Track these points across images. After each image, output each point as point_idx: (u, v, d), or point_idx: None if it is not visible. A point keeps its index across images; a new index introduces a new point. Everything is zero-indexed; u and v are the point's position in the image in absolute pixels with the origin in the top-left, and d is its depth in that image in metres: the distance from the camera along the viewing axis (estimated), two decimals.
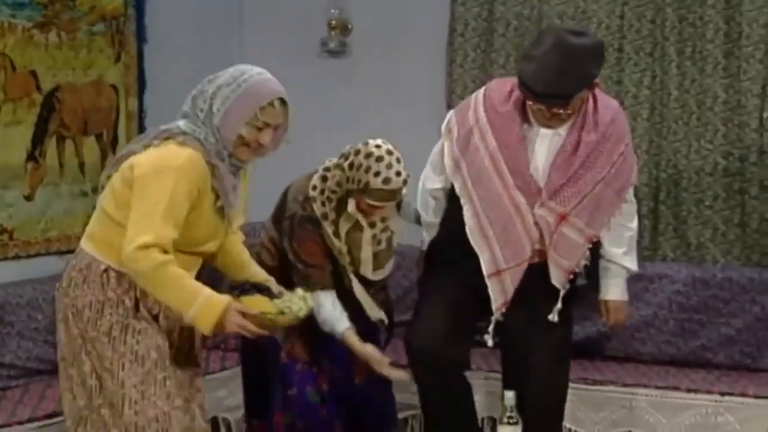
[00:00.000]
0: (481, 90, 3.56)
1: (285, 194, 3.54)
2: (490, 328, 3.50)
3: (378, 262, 3.45)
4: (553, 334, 3.50)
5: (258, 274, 3.11)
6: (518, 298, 3.47)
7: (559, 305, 3.47)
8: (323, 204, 3.37)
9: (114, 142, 4.66)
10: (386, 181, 3.23)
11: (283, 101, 2.89)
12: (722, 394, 4.01)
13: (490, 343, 3.51)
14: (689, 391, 4.05)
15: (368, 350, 3.31)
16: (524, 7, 4.75)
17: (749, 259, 4.50)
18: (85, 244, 2.95)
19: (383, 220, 3.41)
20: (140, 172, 2.78)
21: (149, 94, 4.79)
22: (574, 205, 3.40)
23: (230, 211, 2.90)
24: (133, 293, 2.86)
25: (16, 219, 4.28)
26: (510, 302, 3.47)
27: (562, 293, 3.47)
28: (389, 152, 3.28)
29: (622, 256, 3.56)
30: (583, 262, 3.49)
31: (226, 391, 4.24)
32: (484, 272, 3.46)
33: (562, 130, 3.40)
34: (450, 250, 3.56)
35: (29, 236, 4.34)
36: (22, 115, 4.27)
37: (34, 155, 4.32)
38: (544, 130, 3.40)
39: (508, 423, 2.85)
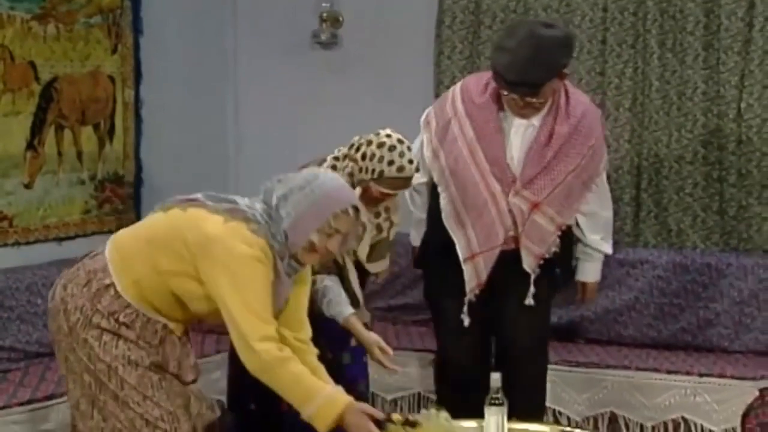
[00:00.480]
0: (459, 84, 3.68)
1: None
2: (465, 309, 3.59)
3: (377, 251, 3.47)
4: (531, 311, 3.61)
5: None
6: (496, 284, 3.57)
7: (532, 289, 3.56)
8: None
9: (111, 131, 4.70)
10: (400, 169, 3.24)
11: (356, 208, 2.81)
12: (701, 375, 4.07)
13: (466, 322, 3.59)
14: (669, 372, 4.10)
15: (373, 337, 3.28)
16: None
17: (727, 245, 4.54)
18: (108, 249, 2.88)
19: (386, 209, 3.44)
20: (205, 241, 2.70)
21: (145, 85, 4.82)
22: (547, 195, 3.51)
23: (276, 309, 2.79)
24: (120, 317, 2.80)
25: (16, 206, 4.33)
26: (486, 286, 3.57)
27: (533, 277, 3.56)
28: (400, 141, 3.29)
29: (599, 241, 3.74)
30: (553, 249, 3.57)
31: (220, 373, 4.25)
32: (460, 257, 3.56)
33: (536, 121, 3.51)
34: (441, 260, 3.64)
35: (28, 223, 4.39)
36: (21, 106, 4.31)
37: (33, 144, 4.36)
38: (519, 121, 3.51)
39: (494, 404, 2.84)
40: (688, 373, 4.09)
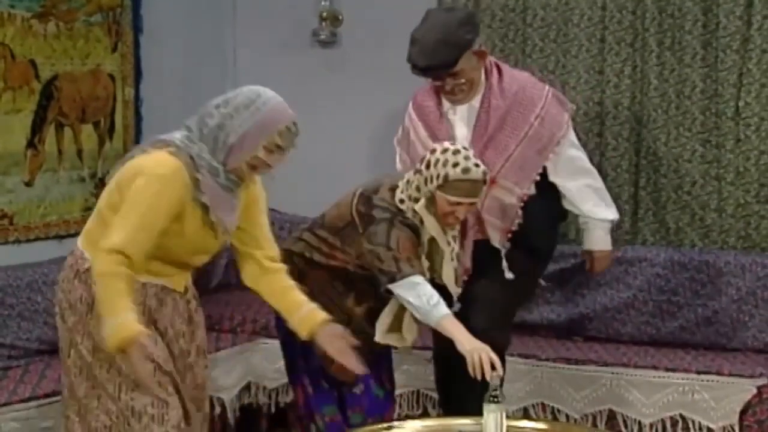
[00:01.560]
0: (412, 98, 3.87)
1: (354, 203, 3.40)
2: (454, 300, 3.51)
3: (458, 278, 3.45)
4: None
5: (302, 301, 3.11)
6: (475, 272, 3.60)
7: (504, 263, 3.63)
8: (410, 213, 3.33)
9: (111, 129, 4.72)
10: (465, 170, 3.21)
11: (295, 125, 2.94)
12: (699, 372, 4.06)
13: (455, 308, 3.49)
14: (667, 370, 4.10)
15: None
16: None
17: (725, 243, 4.53)
18: (79, 240, 3.02)
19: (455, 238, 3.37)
20: (126, 175, 2.86)
21: (145, 83, 4.84)
22: (499, 169, 3.58)
23: (223, 226, 2.92)
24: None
25: (16, 204, 4.35)
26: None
27: (503, 252, 3.63)
28: (465, 148, 3.30)
29: (592, 208, 3.78)
30: (517, 221, 3.63)
31: (219, 371, 4.30)
32: None
33: (476, 102, 3.66)
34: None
35: (29, 221, 4.41)
36: (22, 104, 4.34)
37: (33, 142, 4.38)
38: (461, 108, 3.68)
39: (492, 401, 2.86)
40: (686, 371, 4.09)
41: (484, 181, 3.30)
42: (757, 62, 4.42)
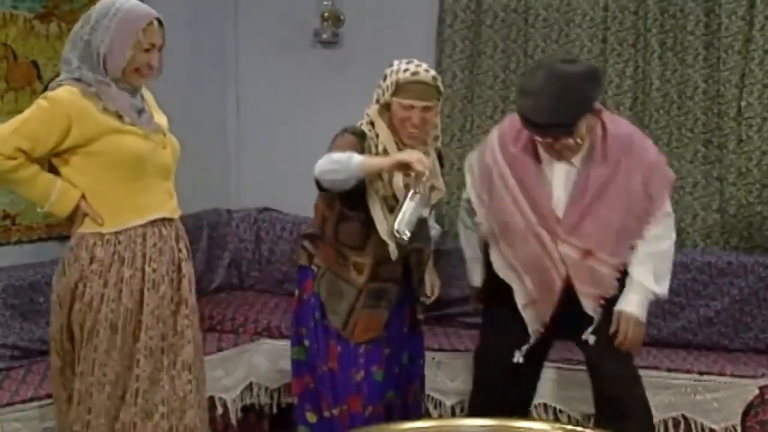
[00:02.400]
0: (495, 130, 3.57)
1: None
2: (524, 348, 3.51)
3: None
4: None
5: None
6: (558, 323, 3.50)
7: (593, 326, 3.44)
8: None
9: None
10: (415, 73, 3.33)
11: (160, 22, 3.12)
12: (701, 373, 4.08)
13: (517, 359, 3.52)
14: (669, 370, 4.11)
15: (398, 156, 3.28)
16: None
17: (728, 244, 4.55)
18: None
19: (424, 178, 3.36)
20: None
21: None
22: (595, 241, 3.36)
23: (148, 126, 3.11)
24: (118, 256, 3.07)
25: (19, 205, 4.35)
26: (551, 326, 3.49)
27: (596, 318, 3.44)
28: (419, 62, 3.39)
29: (641, 272, 3.42)
30: (612, 291, 3.41)
31: (222, 371, 4.32)
32: (518, 303, 3.48)
33: (576, 162, 3.37)
34: (502, 303, 3.55)
35: (31, 221, 4.41)
36: (24, 104, 4.22)
37: None
38: (559, 165, 3.38)
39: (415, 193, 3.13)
40: (688, 372, 4.10)
41: (436, 87, 3.37)
42: (759, 63, 4.43)
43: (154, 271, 3.12)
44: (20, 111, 4.23)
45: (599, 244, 3.37)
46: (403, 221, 3.18)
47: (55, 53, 4.44)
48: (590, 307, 3.44)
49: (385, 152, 3.37)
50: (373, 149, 3.39)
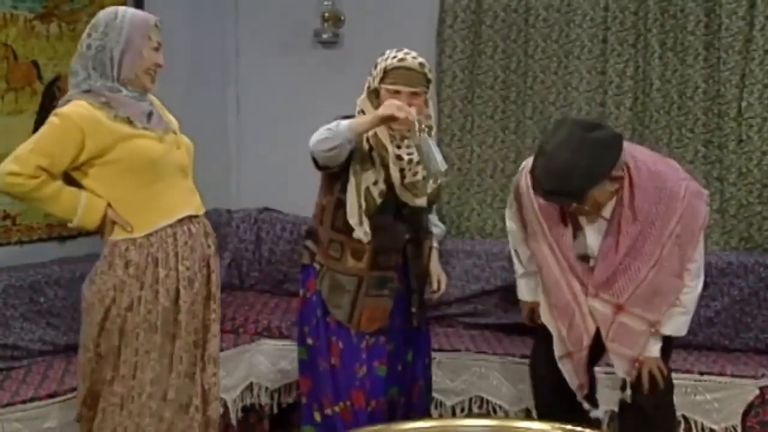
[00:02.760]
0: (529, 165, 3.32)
1: None
2: (586, 405, 3.46)
3: (415, 190, 3.46)
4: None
5: None
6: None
7: (628, 391, 3.37)
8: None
9: None
10: (401, 60, 3.37)
11: (159, 21, 3.25)
12: (701, 373, 4.08)
13: (597, 414, 3.51)
14: (670, 370, 4.12)
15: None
16: None
17: (728, 244, 4.56)
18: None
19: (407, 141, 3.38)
20: None
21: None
22: (628, 296, 3.25)
23: (159, 127, 3.16)
24: (152, 258, 3.12)
25: (19, 205, 4.30)
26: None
27: (629, 381, 3.34)
28: (408, 50, 3.42)
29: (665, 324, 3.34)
30: (645, 349, 3.30)
31: (222, 372, 4.27)
32: (556, 355, 3.43)
33: (607, 213, 3.23)
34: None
35: (31, 222, 4.41)
36: (24, 104, 4.35)
37: None
38: (586, 219, 3.26)
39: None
40: (688, 372, 4.09)
41: (423, 74, 3.38)
42: (760, 63, 4.43)
43: (187, 269, 3.18)
44: (20, 111, 4.35)
45: (632, 300, 3.25)
46: (436, 161, 3.20)
47: (55, 53, 4.46)
48: (622, 368, 3.33)
49: (375, 136, 3.39)
50: (364, 138, 3.40)
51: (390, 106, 3.23)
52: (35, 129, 4.33)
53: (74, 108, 3.07)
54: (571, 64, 4.72)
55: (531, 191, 3.26)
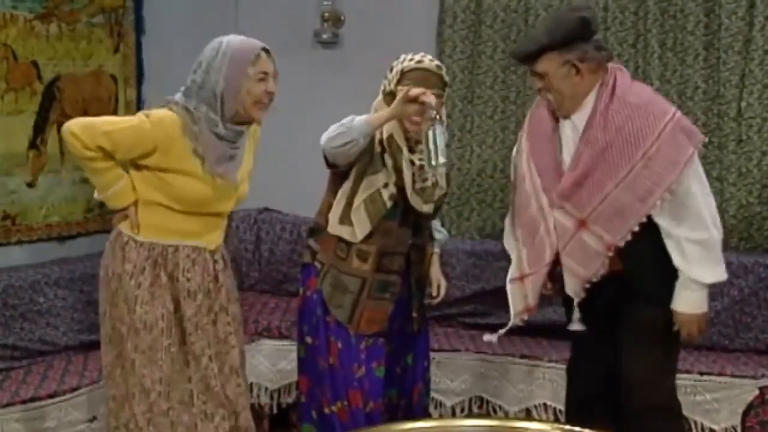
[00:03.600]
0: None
1: None
2: (501, 331, 3.44)
3: (425, 196, 3.47)
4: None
5: None
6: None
7: (576, 314, 3.32)
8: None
9: None
10: (418, 62, 3.39)
11: (267, 51, 3.19)
12: (701, 373, 4.07)
13: (488, 337, 3.52)
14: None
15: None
16: None
17: (727, 244, 4.38)
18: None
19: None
20: None
21: (147, 84, 4.86)
22: (591, 211, 3.19)
23: (223, 175, 3.15)
24: (151, 260, 3.13)
25: (19, 205, 4.36)
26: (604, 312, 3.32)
27: (576, 302, 3.29)
28: (425, 53, 3.45)
29: (685, 265, 3.20)
30: (601, 272, 3.21)
31: None
32: (507, 279, 3.43)
33: (579, 122, 3.23)
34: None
35: (31, 222, 4.42)
36: (24, 105, 4.35)
37: (35, 143, 4.40)
38: (566, 126, 3.26)
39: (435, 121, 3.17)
40: (688, 372, 4.08)
41: (440, 76, 3.40)
42: (759, 63, 4.44)
43: (188, 280, 3.17)
44: (20, 111, 4.35)
45: (594, 216, 3.18)
46: (437, 153, 3.19)
47: (54, 53, 4.46)
48: (573, 287, 3.28)
49: (390, 139, 3.40)
50: (377, 139, 3.41)
51: (408, 89, 3.26)
52: (35, 129, 4.41)
53: (166, 118, 3.09)
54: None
55: (529, 118, 3.41)
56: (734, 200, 4.53)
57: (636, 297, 3.26)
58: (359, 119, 3.30)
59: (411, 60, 3.41)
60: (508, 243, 3.49)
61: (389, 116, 3.31)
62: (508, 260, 4.55)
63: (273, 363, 4.50)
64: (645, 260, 3.22)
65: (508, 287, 3.43)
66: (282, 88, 5.34)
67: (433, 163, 3.19)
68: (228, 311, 3.26)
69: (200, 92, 3.11)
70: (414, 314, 3.58)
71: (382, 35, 5.04)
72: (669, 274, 3.23)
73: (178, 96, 3.16)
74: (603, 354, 3.39)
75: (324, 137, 3.36)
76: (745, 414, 4.01)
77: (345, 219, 3.44)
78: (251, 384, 4.47)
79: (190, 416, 3.17)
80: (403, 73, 3.39)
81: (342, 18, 5.17)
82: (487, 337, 3.54)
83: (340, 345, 3.49)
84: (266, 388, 4.51)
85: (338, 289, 3.46)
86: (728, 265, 4.25)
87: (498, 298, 4.63)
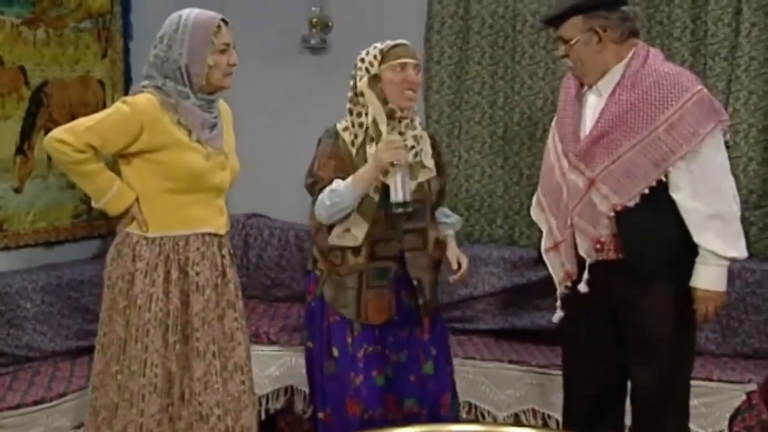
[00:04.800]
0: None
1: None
2: (558, 303, 3.43)
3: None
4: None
5: None
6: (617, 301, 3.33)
7: (586, 275, 3.30)
8: (352, 124, 3.50)
9: None
10: (393, 40, 3.46)
11: (225, 22, 3.24)
12: None
13: (556, 318, 3.47)
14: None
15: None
16: (499, 5, 4.81)
17: None
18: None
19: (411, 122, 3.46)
20: None
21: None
22: (601, 170, 3.21)
23: (210, 142, 3.19)
24: (163, 257, 3.16)
25: (6, 211, 4.35)
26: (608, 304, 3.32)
27: (588, 262, 3.27)
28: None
29: (704, 239, 3.20)
30: (606, 232, 3.23)
31: None
32: (542, 248, 3.42)
33: (605, 91, 3.27)
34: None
35: (18, 227, 4.41)
36: (11, 110, 4.34)
37: (22, 149, 4.39)
38: (592, 95, 3.31)
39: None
40: None
41: (415, 50, 3.48)
42: (746, 69, 4.44)
43: (197, 274, 3.20)
44: (7, 117, 4.35)
45: (604, 175, 3.20)
46: (398, 194, 3.28)
47: (42, 59, 4.45)
48: (584, 247, 3.28)
49: (375, 124, 3.43)
50: (352, 131, 3.47)
51: (383, 154, 3.29)
52: (22, 135, 4.40)
53: (143, 100, 3.13)
54: (558, 70, 4.73)
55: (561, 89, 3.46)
56: None
57: (640, 286, 3.25)
58: (344, 185, 3.35)
59: (383, 43, 3.47)
60: (536, 214, 3.53)
61: (374, 172, 3.33)
62: (496, 265, 4.58)
63: (261, 369, 4.49)
64: (647, 242, 3.23)
65: (545, 257, 3.44)
66: (270, 93, 5.39)
67: (397, 200, 3.28)
68: (236, 307, 3.29)
69: (164, 67, 3.15)
70: (420, 302, 3.54)
71: (370, 41, 4.97)
72: (672, 258, 3.24)
73: (144, 82, 3.20)
74: (606, 359, 3.41)
75: (323, 215, 3.40)
76: (733, 419, 4.01)
77: (343, 227, 3.44)
78: None
79: (188, 413, 3.17)
80: (384, 53, 3.44)
81: (330, 24, 5.17)
82: (556, 316, 3.49)
83: (336, 353, 3.49)
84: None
85: (339, 289, 3.48)
86: None
87: (486, 303, 4.67)
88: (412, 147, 3.46)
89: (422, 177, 3.50)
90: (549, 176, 3.41)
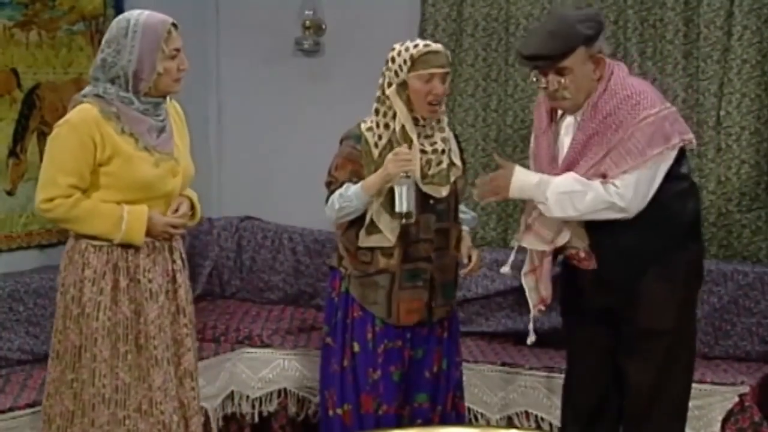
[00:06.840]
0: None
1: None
2: (530, 326, 3.52)
3: (438, 179, 3.51)
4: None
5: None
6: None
7: (512, 257, 3.49)
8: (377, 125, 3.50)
9: None
10: (426, 45, 3.44)
11: (175, 26, 3.14)
12: None
13: (530, 339, 3.60)
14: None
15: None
16: (492, 8, 4.81)
17: (707, 252, 4.45)
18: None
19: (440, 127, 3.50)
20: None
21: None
22: None
23: (158, 148, 3.12)
24: (111, 264, 3.09)
25: None
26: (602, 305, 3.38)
27: (516, 246, 3.48)
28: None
29: (561, 178, 3.34)
30: (582, 245, 3.34)
31: (202, 381, 4.27)
32: (522, 271, 3.49)
33: (579, 116, 3.29)
34: (567, 276, 3.52)
35: (11, 230, 4.40)
36: (4, 113, 4.33)
37: (15, 151, 4.38)
38: (566, 122, 3.34)
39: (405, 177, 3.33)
40: None
41: (447, 55, 3.48)
42: (738, 72, 4.45)
43: (149, 281, 3.15)
44: (0, 119, 4.31)
45: None
46: (402, 204, 3.31)
47: (34, 61, 4.44)
48: (535, 244, 3.40)
49: (403, 131, 3.43)
50: (376, 132, 3.46)
51: (388, 167, 3.33)
52: (14, 137, 4.38)
53: (81, 115, 3.06)
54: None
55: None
56: (714, 208, 4.54)
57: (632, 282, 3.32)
58: (354, 190, 3.39)
59: (416, 46, 3.43)
60: (519, 236, 3.54)
61: (382, 180, 3.36)
62: (489, 268, 4.57)
63: (254, 372, 4.49)
64: (617, 255, 3.30)
65: (523, 281, 3.50)
66: (263, 96, 5.38)
67: (400, 210, 3.32)
68: (185, 312, 3.24)
69: (109, 71, 3.07)
70: (433, 304, 3.55)
71: (363, 44, 5.03)
72: (641, 267, 3.32)
73: (87, 88, 3.13)
74: (604, 364, 3.45)
75: (330, 216, 3.46)
76: (725, 421, 4.01)
77: (372, 228, 3.46)
78: (232, 392, 4.47)
79: (147, 425, 3.13)
80: (414, 59, 3.41)
81: (323, 26, 5.17)
82: (529, 340, 3.59)
83: (357, 348, 3.51)
84: (248, 397, 4.49)
85: (369, 287, 3.49)
86: (708, 273, 4.33)
87: (479, 306, 4.67)
88: (442, 151, 3.49)
89: (453, 176, 3.54)
90: (530, 204, 3.43)
